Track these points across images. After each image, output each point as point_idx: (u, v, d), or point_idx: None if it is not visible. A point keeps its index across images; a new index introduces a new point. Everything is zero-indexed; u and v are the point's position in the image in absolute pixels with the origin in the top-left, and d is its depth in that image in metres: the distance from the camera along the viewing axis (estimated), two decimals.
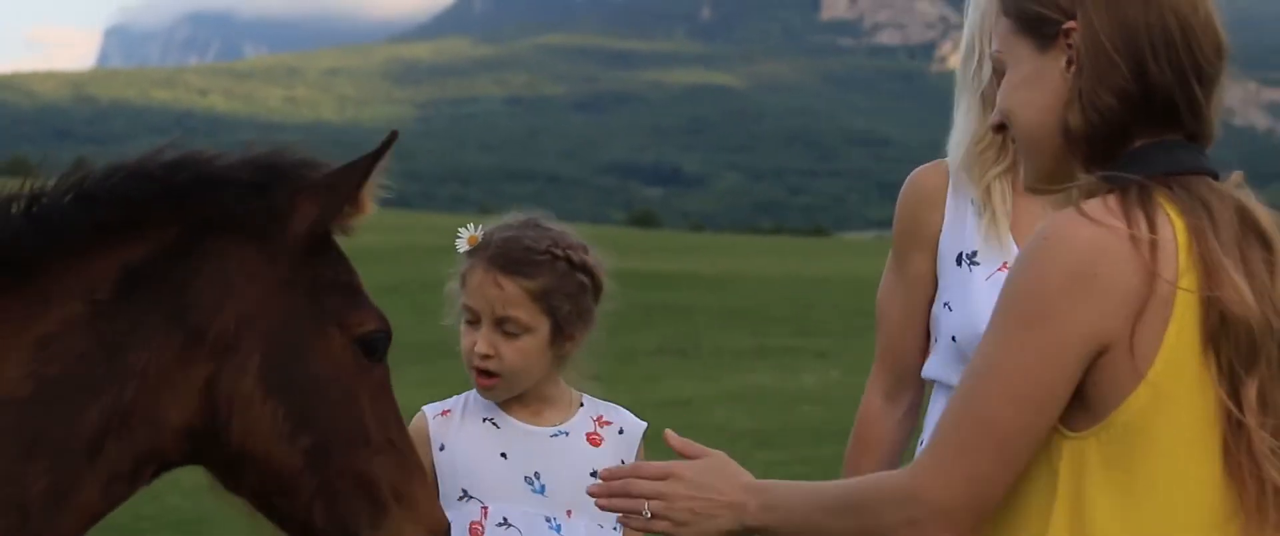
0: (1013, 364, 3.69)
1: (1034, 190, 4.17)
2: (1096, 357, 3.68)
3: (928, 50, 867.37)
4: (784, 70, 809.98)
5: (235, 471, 4.40)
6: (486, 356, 4.85)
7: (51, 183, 4.30)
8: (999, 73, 4.17)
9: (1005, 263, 4.81)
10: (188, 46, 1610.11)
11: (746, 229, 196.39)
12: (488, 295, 4.86)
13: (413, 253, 70.95)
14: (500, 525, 4.78)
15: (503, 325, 4.86)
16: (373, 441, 4.30)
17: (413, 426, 4.86)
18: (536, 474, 4.87)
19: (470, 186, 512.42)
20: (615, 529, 4.86)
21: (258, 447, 4.24)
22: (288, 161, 4.45)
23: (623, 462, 4.82)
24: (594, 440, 4.97)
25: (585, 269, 5.00)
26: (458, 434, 4.95)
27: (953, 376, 4.99)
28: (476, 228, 5.00)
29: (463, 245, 4.98)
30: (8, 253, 4.12)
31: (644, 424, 5.10)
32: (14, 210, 4.23)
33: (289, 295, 4.28)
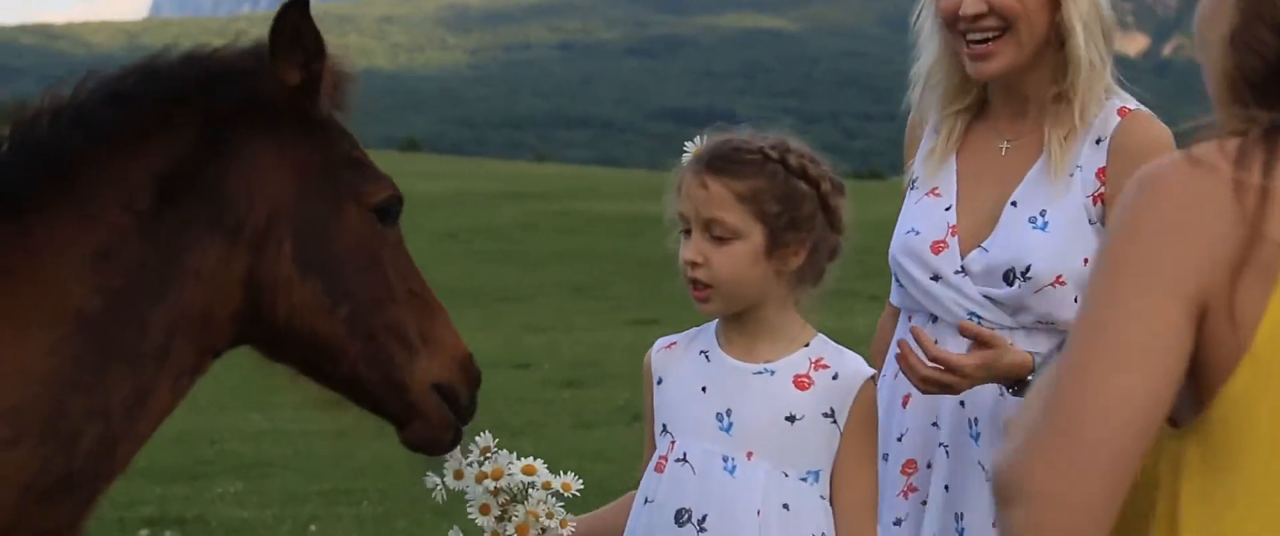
0: (1113, 318, 3.21)
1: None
2: (1201, 322, 3.18)
3: None
4: (837, 13, 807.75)
5: (281, 346, 4.59)
6: (695, 264, 4.49)
7: (60, 98, 4.40)
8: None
9: (934, 189, 4.91)
10: None
11: None
12: (694, 197, 4.52)
13: (467, 199, 71.19)
14: (679, 461, 4.52)
15: (710, 229, 4.48)
16: (398, 295, 4.50)
17: (644, 372, 4.84)
18: (728, 411, 4.51)
19: (524, 132, 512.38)
20: (804, 479, 4.48)
21: (303, 324, 4.42)
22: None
23: (830, 411, 4.47)
24: (801, 383, 4.50)
25: (804, 175, 4.51)
26: (675, 367, 4.69)
27: (897, 298, 5.18)
28: (701, 140, 4.72)
29: (687, 158, 4.71)
30: (49, 163, 4.20)
31: (868, 372, 4.58)
32: (42, 124, 4.32)
33: (307, 178, 4.44)
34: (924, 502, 4.98)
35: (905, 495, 5.02)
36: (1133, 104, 4.61)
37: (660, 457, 4.57)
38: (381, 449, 18.44)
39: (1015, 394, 4.53)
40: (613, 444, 17.99)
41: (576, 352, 29.82)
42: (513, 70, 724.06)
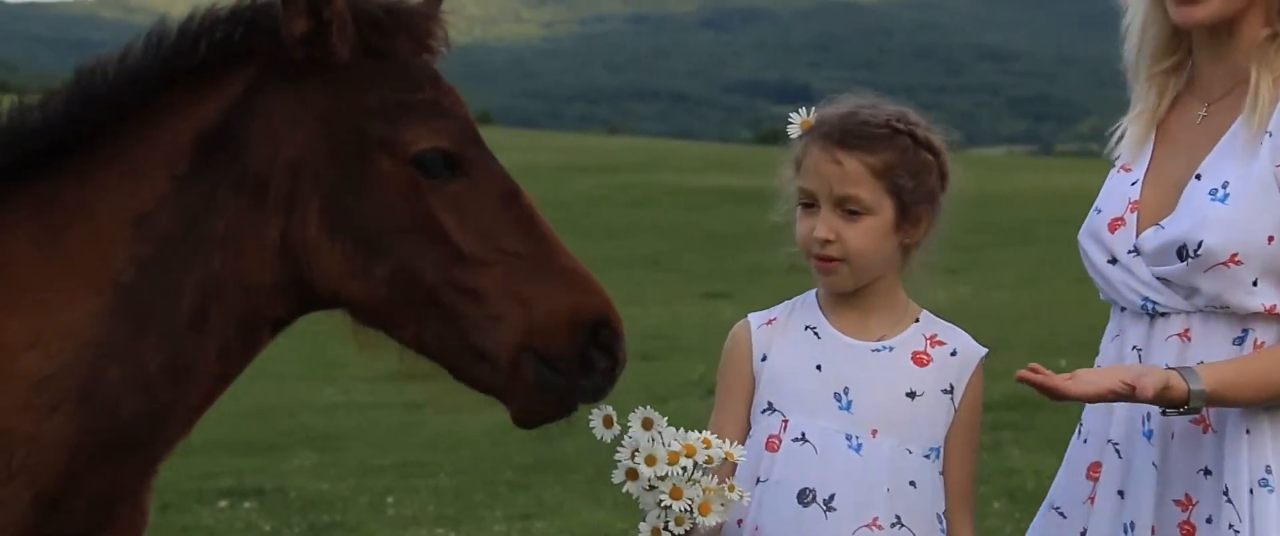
0: None
1: None
2: None
3: None
4: None
5: (352, 314, 4.47)
6: (827, 241, 4.34)
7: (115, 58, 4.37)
8: None
9: (1126, 164, 4.59)
10: None
11: None
12: (825, 173, 4.37)
13: (538, 172, 71.11)
14: (796, 440, 4.36)
15: (843, 205, 4.35)
16: (469, 253, 4.22)
17: (734, 335, 4.64)
18: (846, 389, 4.38)
19: (597, 105, 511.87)
20: (927, 455, 4.42)
21: (341, 287, 4.28)
22: None
23: (949, 387, 4.43)
24: (920, 360, 4.44)
25: (930, 147, 4.47)
26: (780, 342, 4.50)
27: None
28: (808, 112, 4.52)
29: (795, 130, 4.51)
30: (101, 122, 4.20)
31: (983, 350, 4.56)
32: (101, 75, 4.30)
33: (330, 131, 4.24)
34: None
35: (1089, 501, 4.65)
36: None
37: (771, 436, 4.41)
38: (451, 422, 18.57)
39: (1165, 414, 4.20)
40: (686, 417, 17.76)
41: (648, 325, 29.75)
42: (586, 43, 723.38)
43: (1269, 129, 4.06)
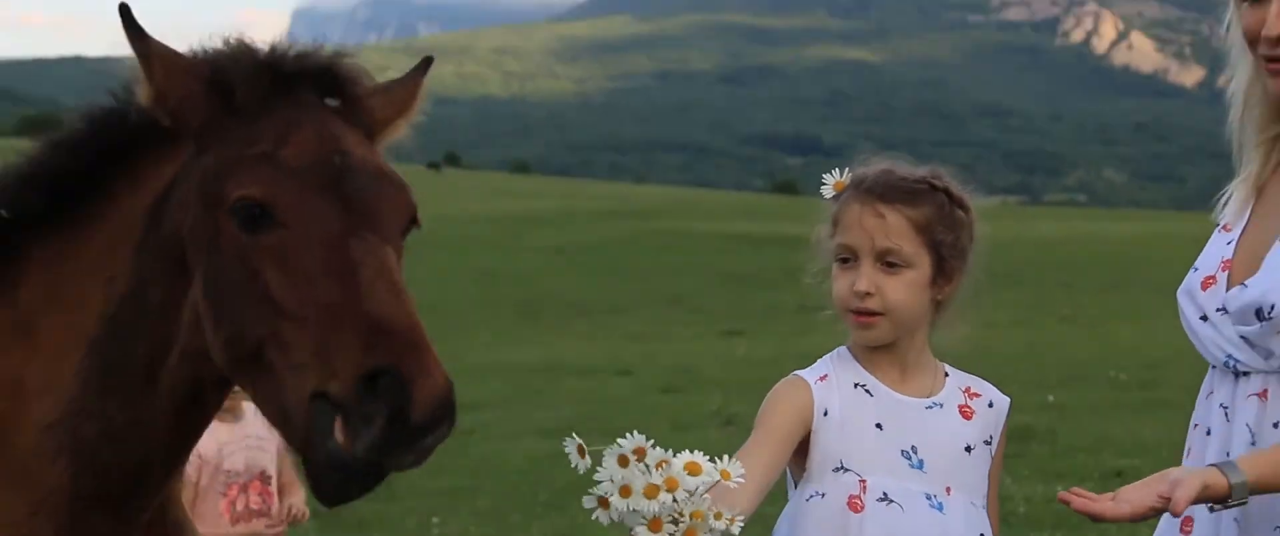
0: None
1: None
2: None
3: (1051, 25, 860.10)
4: (917, 45, 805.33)
5: None
6: (868, 294, 4.05)
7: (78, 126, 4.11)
8: None
9: (1227, 223, 4.31)
10: (367, 26, 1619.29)
11: None
12: (867, 227, 4.10)
13: (574, 217, 71.12)
14: (881, 500, 4.04)
15: (884, 258, 4.08)
16: (287, 310, 3.59)
17: (789, 389, 4.22)
18: (913, 448, 4.10)
19: (626, 156, 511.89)
20: (983, 506, 4.21)
21: (216, 356, 3.76)
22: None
23: (990, 438, 4.19)
24: (966, 413, 4.18)
25: (962, 205, 4.23)
26: (837, 400, 4.15)
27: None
28: (841, 173, 4.28)
29: (828, 191, 4.28)
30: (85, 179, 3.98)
31: (1008, 398, 4.31)
32: (81, 136, 4.06)
33: (200, 194, 3.77)
34: None
35: None
36: None
37: (852, 496, 4.08)
38: (495, 448, 18.57)
39: (1212, 510, 3.94)
40: (707, 446, 17.77)
41: (672, 360, 29.76)
42: (616, 97, 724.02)
43: None
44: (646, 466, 3.63)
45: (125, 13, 3.74)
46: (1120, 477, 15.14)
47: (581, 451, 3.65)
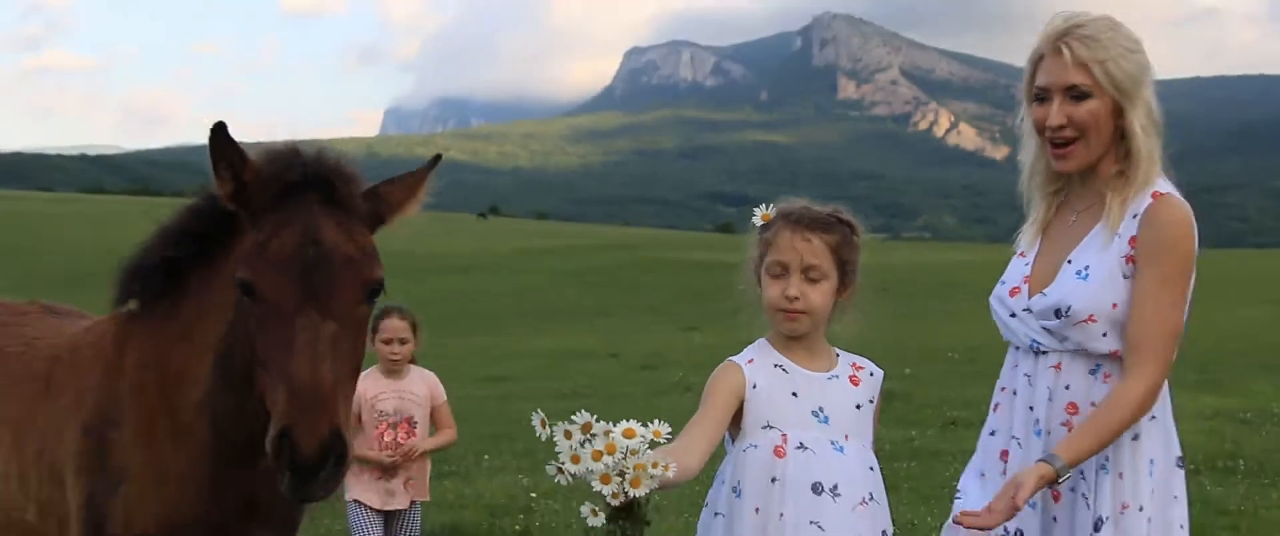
0: None
1: None
2: None
3: (905, 118, 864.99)
4: (815, 132, 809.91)
5: None
6: (795, 299, 4.02)
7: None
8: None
9: (1023, 252, 4.36)
10: (437, 120, 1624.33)
11: None
12: (798, 248, 4.05)
13: (578, 250, 70.94)
14: (799, 448, 3.99)
15: (808, 273, 4.04)
16: (260, 358, 3.58)
17: (728, 368, 4.13)
18: (820, 408, 4.05)
19: (614, 207, 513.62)
20: (870, 447, 4.18)
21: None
22: None
23: (872, 398, 4.14)
24: (854, 381, 4.12)
25: (856, 231, 4.20)
26: (762, 376, 4.10)
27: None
28: (768, 207, 4.26)
29: (758, 220, 4.24)
30: (213, 234, 3.96)
31: (882, 371, 4.26)
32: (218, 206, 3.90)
33: (236, 264, 3.70)
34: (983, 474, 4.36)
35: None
36: (1165, 188, 4.04)
37: (776, 446, 4.02)
38: (521, 407, 18.53)
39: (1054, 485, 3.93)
40: (673, 407, 17.91)
41: (649, 348, 29.73)
42: (608, 168, 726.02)
43: (1117, 232, 3.98)
44: (590, 438, 3.43)
45: (222, 130, 3.63)
46: (954, 425, 15.58)
47: (543, 423, 3.45)
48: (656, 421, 3.59)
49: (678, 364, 24.48)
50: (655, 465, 3.49)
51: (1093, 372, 4.00)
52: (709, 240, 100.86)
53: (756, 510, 3.99)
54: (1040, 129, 4.13)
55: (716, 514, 4.08)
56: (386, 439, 7.28)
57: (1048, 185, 4.28)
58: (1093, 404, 3.95)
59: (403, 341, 7.37)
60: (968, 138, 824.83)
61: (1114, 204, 4.02)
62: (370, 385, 7.34)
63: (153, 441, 3.98)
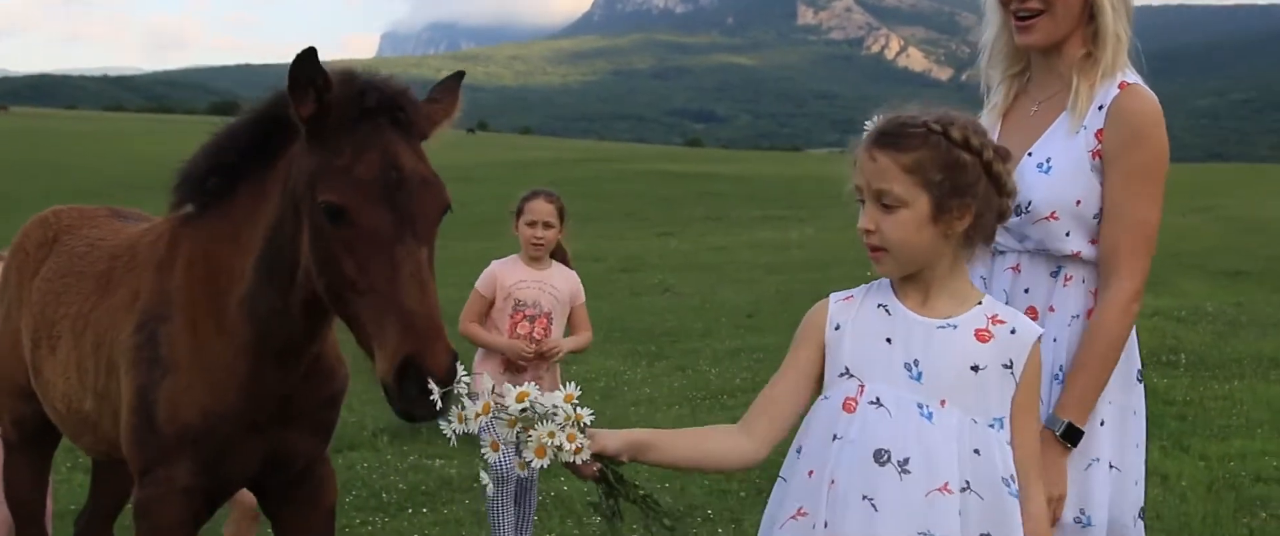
0: None
1: None
2: None
3: (858, 42, 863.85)
4: (776, 55, 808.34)
5: None
6: (868, 231, 3.02)
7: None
8: None
9: None
10: (429, 43, 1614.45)
11: (752, 148, 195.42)
12: (865, 170, 3.04)
13: (561, 163, 70.63)
14: (872, 403, 3.03)
15: (881, 199, 3.01)
16: (355, 284, 3.42)
17: (815, 307, 3.21)
18: (916, 361, 3.04)
19: (593, 123, 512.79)
20: (991, 425, 3.04)
21: (316, 286, 3.60)
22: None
23: (1009, 362, 3.03)
24: (982, 336, 3.05)
25: (966, 145, 3.02)
26: (854, 316, 3.11)
27: None
28: (877, 117, 3.22)
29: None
30: (262, 144, 3.82)
31: (1040, 330, 3.11)
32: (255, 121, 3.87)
33: (304, 183, 3.56)
34: None
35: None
36: (1132, 78, 3.47)
37: (848, 398, 3.05)
38: None
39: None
40: (654, 305, 17.83)
41: (627, 251, 29.50)
42: (587, 87, 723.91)
43: (1084, 123, 3.43)
44: (474, 396, 2.92)
45: (313, 53, 3.48)
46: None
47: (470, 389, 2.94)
48: (572, 385, 2.97)
49: (655, 267, 24.30)
50: (572, 440, 2.87)
51: (1053, 275, 3.51)
52: (678, 153, 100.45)
53: (810, 473, 3.08)
54: (1006, 1, 3.60)
55: (782, 478, 3.17)
56: (521, 331, 6.28)
57: (1010, 66, 3.73)
58: (1051, 309, 3.46)
59: (548, 225, 6.36)
60: (916, 60, 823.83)
61: (1081, 88, 3.51)
62: (509, 271, 6.38)
63: (198, 335, 3.89)
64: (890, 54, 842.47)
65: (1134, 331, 3.50)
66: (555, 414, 2.88)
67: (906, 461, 2.97)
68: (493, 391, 2.92)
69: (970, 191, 3.00)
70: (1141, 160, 3.39)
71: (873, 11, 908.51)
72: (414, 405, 3.22)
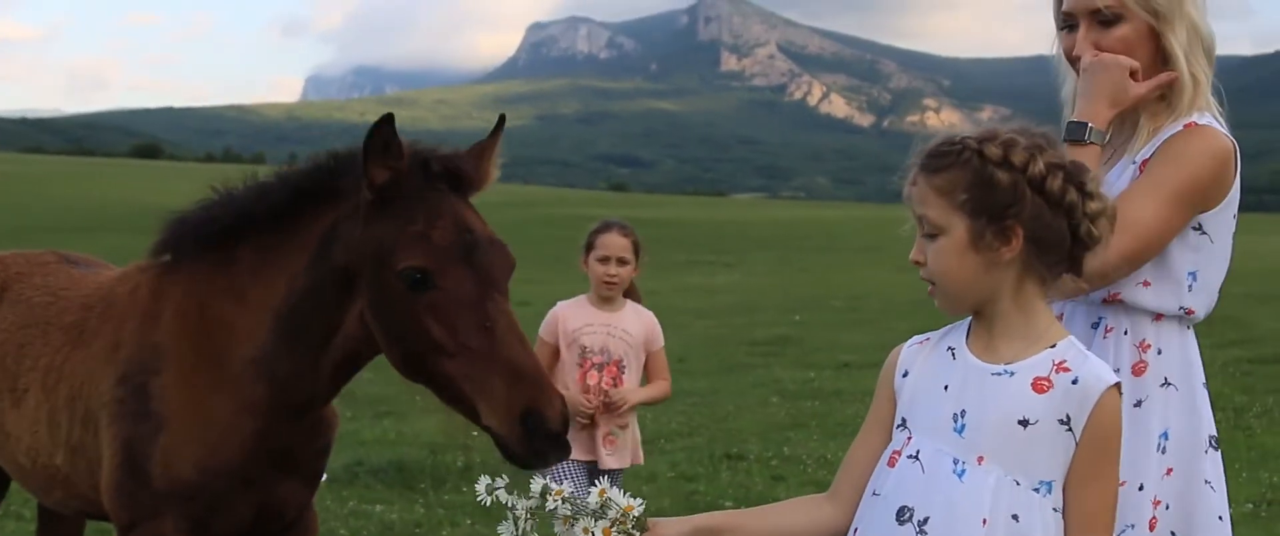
0: None
1: None
2: None
3: (781, 88, 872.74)
4: (699, 100, 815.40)
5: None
6: (918, 263, 2.71)
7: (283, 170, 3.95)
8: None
9: None
10: (353, 87, 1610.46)
11: (677, 192, 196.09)
12: (909, 196, 2.71)
13: (485, 206, 70.26)
14: (911, 458, 2.68)
15: (923, 227, 2.68)
16: (444, 347, 3.43)
17: (886, 365, 2.86)
18: (963, 411, 2.65)
19: (517, 167, 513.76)
20: (1036, 489, 2.59)
21: (385, 355, 3.65)
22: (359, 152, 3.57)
23: (1065, 418, 2.57)
24: (1040, 386, 2.58)
25: (1005, 163, 2.59)
26: (923, 362, 2.77)
27: None
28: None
29: None
30: (281, 210, 3.78)
31: (1111, 379, 2.60)
32: (281, 180, 3.87)
33: (369, 253, 3.56)
34: None
35: None
36: (1205, 120, 3.15)
37: (893, 452, 2.74)
38: None
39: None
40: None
41: (555, 295, 29.22)
42: (511, 132, 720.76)
43: (1135, 159, 3.13)
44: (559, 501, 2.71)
45: (390, 122, 3.50)
46: (847, 367, 15.17)
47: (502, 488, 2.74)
48: (637, 499, 2.73)
49: None
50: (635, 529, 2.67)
51: (1094, 326, 3.18)
52: (605, 197, 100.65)
53: (854, 531, 2.78)
54: (1071, 58, 3.31)
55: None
56: (591, 381, 5.73)
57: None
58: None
59: (622, 262, 5.81)
60: (838, 107, 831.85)
61: (1144, 130, 3.21)
62: (574, 314, 5.82)
63: (194, 389, 3.81)
64: (812, 100, 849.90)
65: (1201, 393, 3.14)
66: (605, 510, 2.69)
67: (925, 521, 2.64)
68: (543, 492, 2.72)
69: (1010, 212, 2.60)
70: (1165, 173, 3.08)
71: (795, 59, 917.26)
72: (541, 451, 3.34)
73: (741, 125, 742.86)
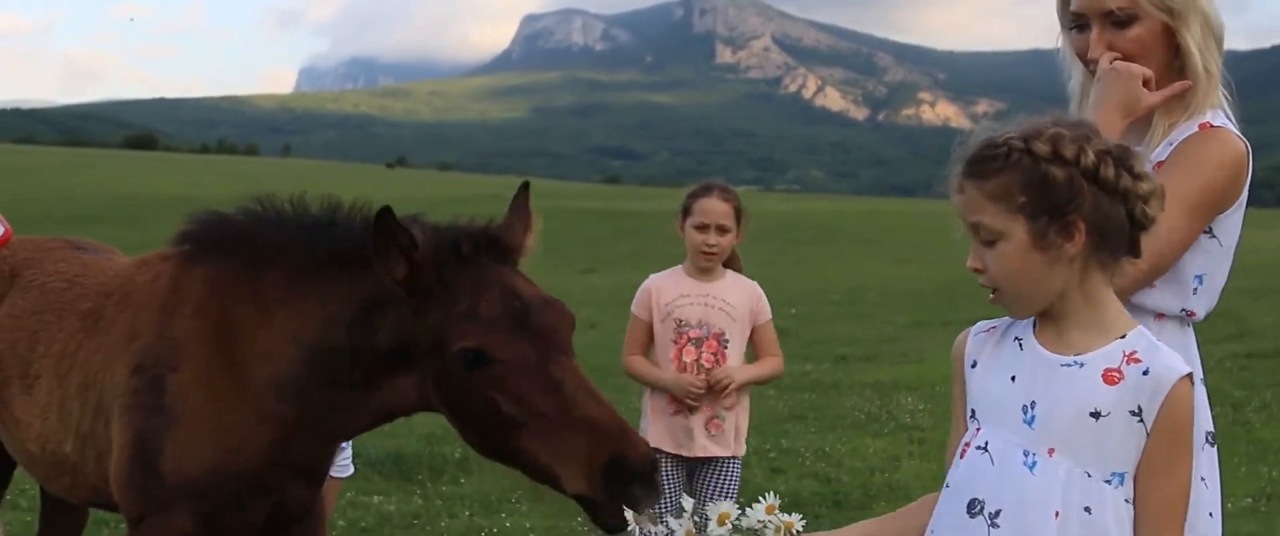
0: None
1: None
2: None
3: (776, 81, 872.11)
4: (694, 93, 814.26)
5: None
6: (976, 270, 2.64)
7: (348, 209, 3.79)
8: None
9: None
10: (347, 78, 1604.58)
11: (671, 185, 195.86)
12: (957, 204, 2.64)
13: (480, 199, 70.32)
14: (979, 449, 2.64)
15: (979, 233, 2.60)
16: (513, 420, 3.34)
17: (956, 342, 2.81)
18: (1032, 402, 2.59)
19: (510, 160, 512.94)
20: (1108, 480, 2.55)
21: (463, 438, 3.58)
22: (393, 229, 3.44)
23: (1137, 409, 2.53)
24: (1110, 377, 2.54)
25: (1057, 158, 2.54)
26: (991, 351, 2.71)
27: None
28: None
29: None
30: (351, 250, 3.59)
31: (1183, 369, 2.56)
32: (347, 219, 3.73)
33: (427, 340, 3.46)
34: None
35: None
36: (1219, 121, 3.13)
37: (965, 443, 2.70)
38: None
39: None
40: (582, 342, 17.57)
41: (550, 288, 28.79)
42: (507, 124, 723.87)
43: (1150, 160, 3.00)
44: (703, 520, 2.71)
45: (389, 215, 3.37)
46: (844, 360, 15.07)
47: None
48: (772, 494, 2.74)
49: (580, 303, 24.11)
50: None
51: None
52: (599, 190, 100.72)
53: (931, 531, 2.73)
54: (1083, 57, 3.26)
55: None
56: (687, 358, 5.29)
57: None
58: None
59: (722, 230, 5.32)
60: (833, 100, 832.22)
61: (1160, 127, 3.16)
62: (669, 285, 5.38)
63: (212, 392, 3.73)
64: (808, 93, 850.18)
65: (1202, 391, 3.03)
66: (763, 530, 2.63)
67: (997, 514, 2.59)
68: (692, 514, 2.68)
69: (1071, 207, 2.54)
70: (1182, 183, 3.00)
71: (791, 52, 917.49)
72: (630, 496, 3.19)
73: (736, 118, 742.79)
